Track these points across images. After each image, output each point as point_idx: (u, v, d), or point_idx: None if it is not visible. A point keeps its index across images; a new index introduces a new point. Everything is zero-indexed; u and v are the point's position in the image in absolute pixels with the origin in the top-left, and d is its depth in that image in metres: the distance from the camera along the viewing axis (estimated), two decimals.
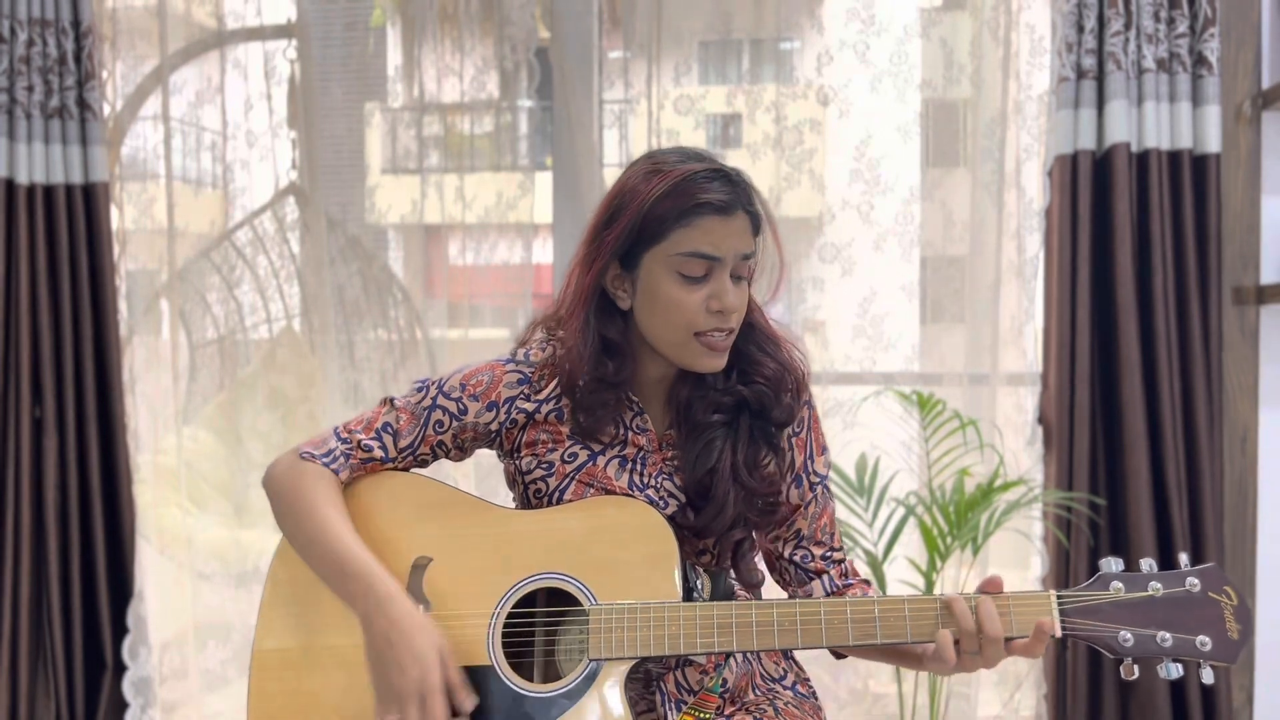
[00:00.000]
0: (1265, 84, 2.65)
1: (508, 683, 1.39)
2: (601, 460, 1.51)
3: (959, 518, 2.46)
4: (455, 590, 1.44)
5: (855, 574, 1.58)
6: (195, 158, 3.22)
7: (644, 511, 1.44)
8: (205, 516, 3.16)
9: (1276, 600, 2.67)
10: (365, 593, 1.38)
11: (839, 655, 1.59)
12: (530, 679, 1.41)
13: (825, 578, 1.54)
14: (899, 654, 1.49)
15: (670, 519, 1.46)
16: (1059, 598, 1.33)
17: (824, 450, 1.57)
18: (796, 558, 1.55)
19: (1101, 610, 1.32)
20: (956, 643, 1.35)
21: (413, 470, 1.55)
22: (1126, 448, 2.57)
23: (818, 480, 1.55)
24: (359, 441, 1.51)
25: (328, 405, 3.01)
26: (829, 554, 1.56)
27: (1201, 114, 2.55)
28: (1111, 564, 1.35)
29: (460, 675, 1.37)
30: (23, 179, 2.81)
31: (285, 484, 1.49)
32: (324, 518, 1.44)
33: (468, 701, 1.36)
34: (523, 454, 1.53)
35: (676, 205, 1.40)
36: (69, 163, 2.83)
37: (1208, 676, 1.30)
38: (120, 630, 2.90)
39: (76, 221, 2.83)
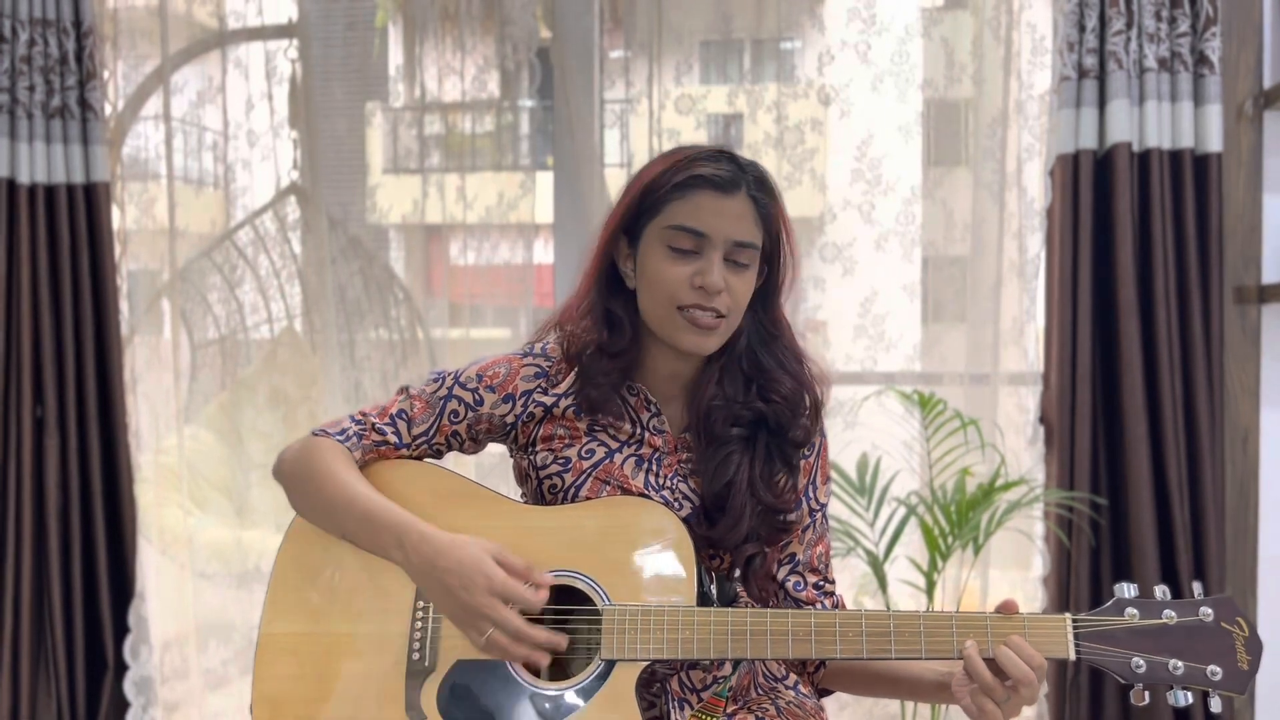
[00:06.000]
0: (1267, 83, 2.64)
1: (518, 678, 1.39)
2: (618, 458, 1.51)
3: (960, 517, 2.46)
4: None
5: (845, 609, 1.57)
6: (196, 157, 3.22)
7: (661, 514, 1.44)
8: (206, 516, 3.16)
9: (1277, 599, 2.68)
10: (399, 540, 1.39)
11: (824, 692, 1.60)
12: (537, 675, 1.41)
13: (817, 606, 1.54)
14: (908, 685, 1.49)
15: (684, 521, 1.46)
16: (1074, 621, 1.33)
17: (828, 480, 1.58)
18: (789, 584, 1.54)
19: (1115, 636, 1.32)
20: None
21: (427, 460, 1.55)
22: (1128, 447, 2.56)
23: (817, 508, 1.56)
24: (373, 424, 1.52)
25: (329, 405, 3.01)
26: (822, 584, 1.55)
27: (1203, 113, 2.54)
28: (1125, 589, 1.35)
29: (520, 560, 1.37)
30: (24, 179, 2.81)
31: (298, 460, 1.49)
32: (343, 481, 1.45)
33: (545, 578, 1.39)
34: (538, 449, 1.53)
35: (673, 177, 1.43)
36: (70, 162, 2.82)
37: (1216, 706, 1.30)
38: (121, 630, 2.90)
39: (78, 221, 2.83)
